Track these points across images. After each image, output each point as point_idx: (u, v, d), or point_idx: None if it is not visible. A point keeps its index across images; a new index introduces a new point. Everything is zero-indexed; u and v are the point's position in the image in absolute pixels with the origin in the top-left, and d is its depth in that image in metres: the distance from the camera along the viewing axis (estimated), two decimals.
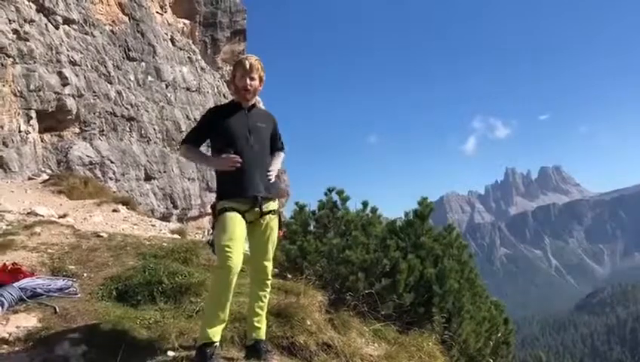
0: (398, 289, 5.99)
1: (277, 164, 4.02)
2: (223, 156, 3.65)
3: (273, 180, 3.87)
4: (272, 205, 3.86)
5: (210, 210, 3.88)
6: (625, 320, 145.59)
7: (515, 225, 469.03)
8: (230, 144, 3.71)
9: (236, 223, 3.59)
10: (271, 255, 3.88)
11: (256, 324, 3.83)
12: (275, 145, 4.06)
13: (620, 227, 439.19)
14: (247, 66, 3.75)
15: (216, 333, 3.53)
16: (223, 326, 3.61)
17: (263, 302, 3.85)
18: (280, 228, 3.98)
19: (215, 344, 3.53)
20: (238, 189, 3.67)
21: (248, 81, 3.77)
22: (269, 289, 3.90)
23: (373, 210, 7.36)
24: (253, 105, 3.93)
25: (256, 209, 3.71)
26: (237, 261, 3.48)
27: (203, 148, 3.95)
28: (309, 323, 4.40)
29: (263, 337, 3.87)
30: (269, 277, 3.88)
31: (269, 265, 3.87)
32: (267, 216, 3.80)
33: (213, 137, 3.80)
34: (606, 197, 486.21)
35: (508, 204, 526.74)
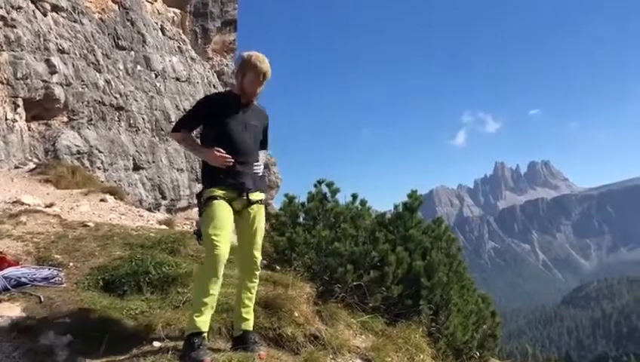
0: (387, 282, 6.00)
1: (262, 160, 4.14)
2: (216, 151, 3.67)
3: (260, 174, 3.95)
4: (259, 195, 3.89)
5: (196, 200, 3.88)
6: (610, 314, 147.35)
7: (503, 219, 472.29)
8: (224, 136, 3.75)
9: (224, 211, 3.61)
10: (259, 245, 3.88)
11: (244, 315, 3.82)
12: (263, 143, 4.13)
13: (607, 222, 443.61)
14: (261, 76, 3.78)
15: (204, 323, 3.50)
16: (210, 316, 3.59)
17: (251, 293, 3.85)
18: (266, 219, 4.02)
19: (203, 334, 3.50)
20: (227, 178, 3.71)
21: (258, 89, 3.84)
22: (257, 281, 3.90)
23: (363, 203, 7.36)
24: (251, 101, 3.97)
25: (244, 196, 3.75)
26: (224, 249, 3.49)
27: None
28: (296, 314, 4.40)
29: (251, 328, 3.86)
30: (258, 267, 3.88)
31: (258, 255, 3.87)
32: (254, 206, 3.83)
33: (207, 125, 3.85)
34: (594, 192, 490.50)
35: (497, 198, 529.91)
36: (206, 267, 3.52)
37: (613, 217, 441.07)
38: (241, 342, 3.76)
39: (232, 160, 3.68)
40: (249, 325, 3.85)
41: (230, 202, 3.69)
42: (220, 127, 3.78)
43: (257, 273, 3.88)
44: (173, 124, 4.02)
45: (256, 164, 3.89)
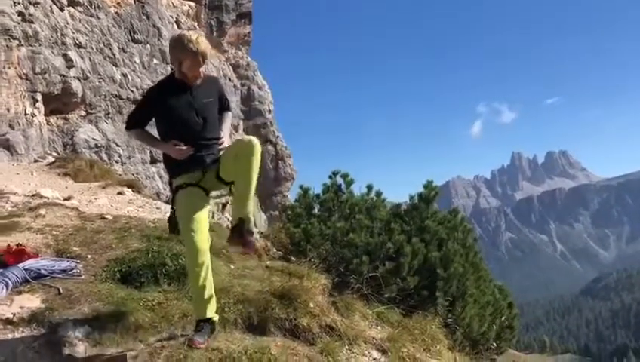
0: (402, 273, 6.00)
1: (227, 128, 3.95)
2: (174, 145, 3.57)
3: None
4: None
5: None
6: (630, 305, 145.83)
7: (520, 209, 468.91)
8: (176, 125, 3.64)
9: (195, 200, 3.57)
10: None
11: (240, 205, 3.62)
12: (222, 107, 3.97)
13: (626, 212, 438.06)
14: (200, 58, 3.55)
15: (208, 311, 3.58)
16: (212, 301, 3.61)
17: (256, 165, 3.54)
18: None
19: (210, 319, 3.59)
20: (189, 165, 3.61)
21: (200, 70, 3.63)
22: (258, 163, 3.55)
23: (378, 194, 7.34)
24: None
25: (208, 174, 3.63)
26: (202, 240, 3.47)
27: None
28: (312, 305, 4.40)
29: (251, 217, 3.68)
30: (255, 145, 3.51)
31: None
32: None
33: (157, 118, 3.72)
34: (612, 182, 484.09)
35: (514, 188, 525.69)
36: (189, 260, 3.53)
37: (632, 207, 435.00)
38: (237, 230, 3.61)
39: (192, 149, 3.56)
40: (248, 213, 3.62)
41: (199, 182, 3.62)
42: (169, 116, 3.64)
43: (258, 152, 3.52)
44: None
45: (219, 142, 3.73)
